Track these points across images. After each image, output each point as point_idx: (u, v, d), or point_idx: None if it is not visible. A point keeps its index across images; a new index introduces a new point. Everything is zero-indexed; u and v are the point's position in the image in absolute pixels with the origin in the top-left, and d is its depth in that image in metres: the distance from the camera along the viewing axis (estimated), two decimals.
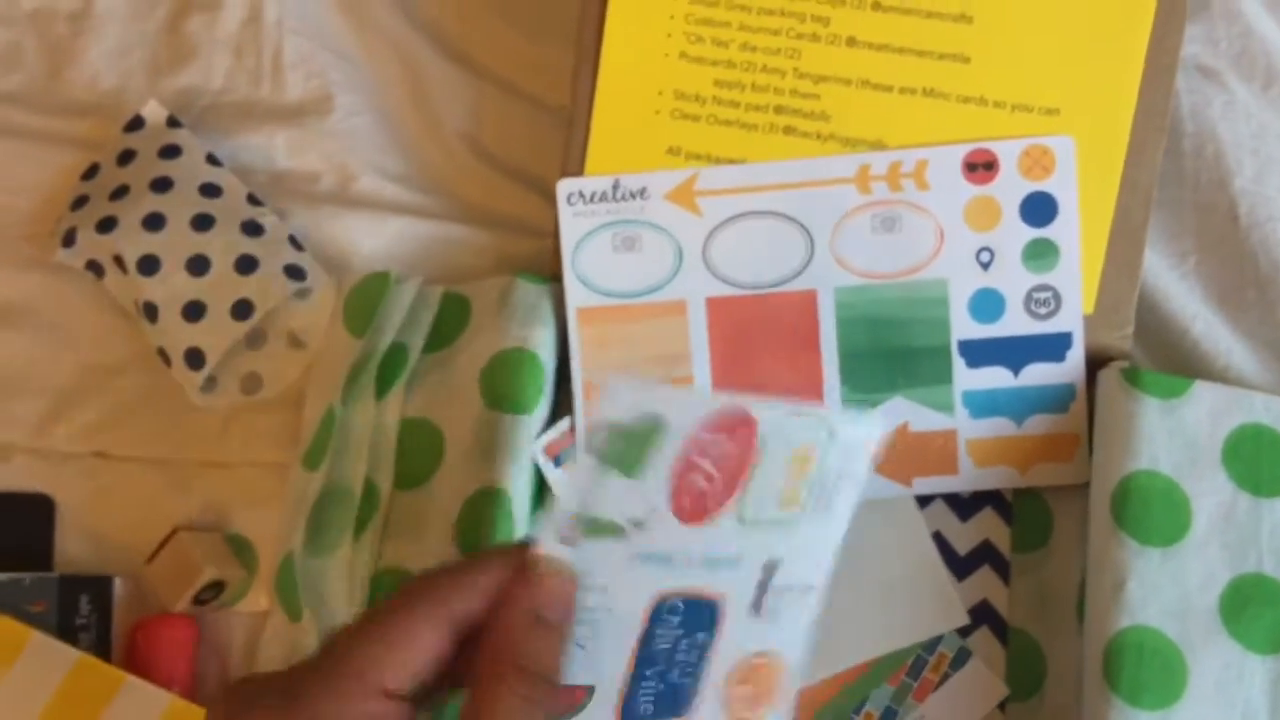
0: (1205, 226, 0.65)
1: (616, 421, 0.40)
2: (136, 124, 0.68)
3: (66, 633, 0.60)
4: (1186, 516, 0.58)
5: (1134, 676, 0.56)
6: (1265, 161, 0.65)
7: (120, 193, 0.65)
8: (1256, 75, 0.66)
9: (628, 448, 0.40)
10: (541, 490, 0.63)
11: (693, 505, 0.42)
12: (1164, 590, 0.57)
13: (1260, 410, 0.60)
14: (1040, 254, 0.62)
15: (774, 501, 0.44)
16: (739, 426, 0.42)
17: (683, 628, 0.43)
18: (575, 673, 0.42)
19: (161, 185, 0.65)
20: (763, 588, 0.45)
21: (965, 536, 0.63)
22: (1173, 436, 0.59)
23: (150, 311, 0.63)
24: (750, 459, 0.42)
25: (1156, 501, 0.58)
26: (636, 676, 0.43)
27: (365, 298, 0.64)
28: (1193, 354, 0.63)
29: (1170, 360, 0.64)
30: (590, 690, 0.43)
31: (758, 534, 0.44)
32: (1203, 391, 0.60)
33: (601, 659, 0.42)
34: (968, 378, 0.62)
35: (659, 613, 0.43)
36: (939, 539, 0.63)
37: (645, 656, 0.43)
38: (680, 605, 0.43)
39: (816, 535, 0.45)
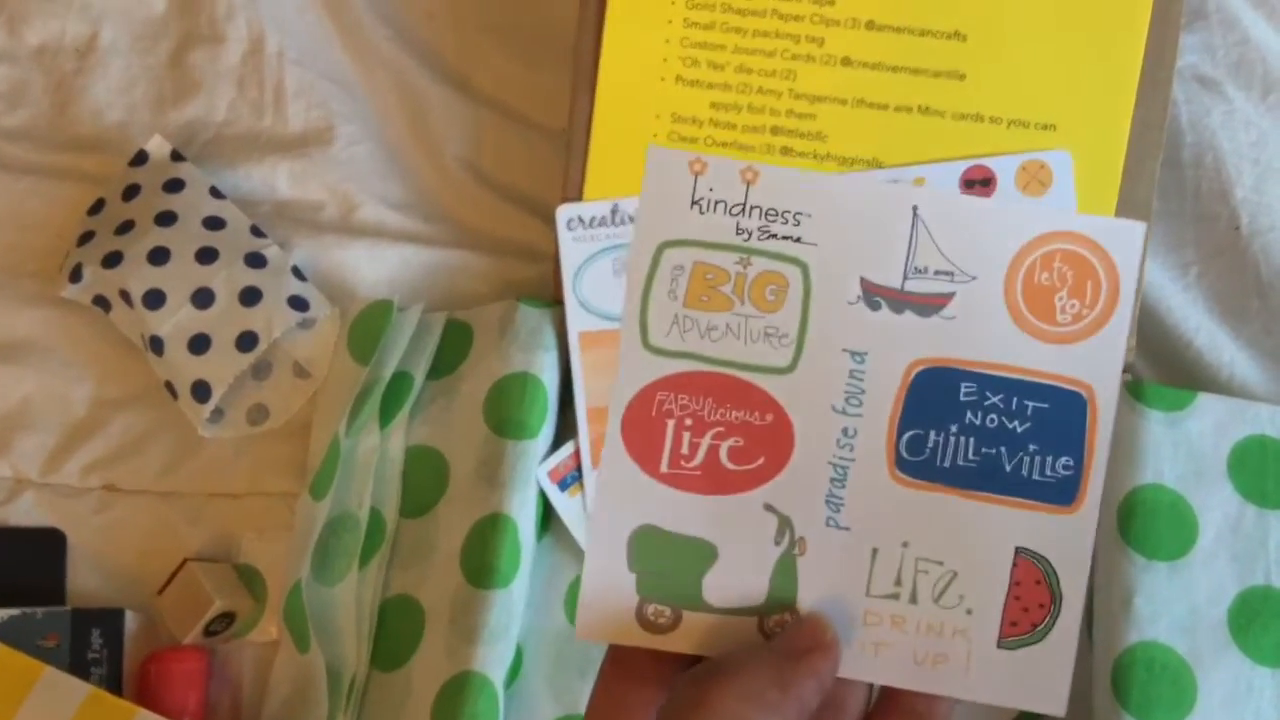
0: (1206, 237, 0.65)
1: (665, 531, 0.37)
2: (141, 159, 0.69)
3: (78, 666, 0.61)
4: (1193, 530, 0.58)
5: (1144, 691, 0.55)
6: (1265, 170, 0.64)
7: (125, 228, 0.65)
8: (1255, 84, 0.65)
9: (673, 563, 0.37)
10: (547, 515, 0.63)
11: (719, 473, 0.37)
12: (1172, 605, 0.57)
13: (1265, 422, 0.59)
14: None
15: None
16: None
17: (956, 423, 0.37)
18: None
19: (166, 219, 0.65)
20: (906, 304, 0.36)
21: None
22: (1178, 449, 0.59)
23: (156, 345, 0.63)
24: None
25: (1163, 515, 0.58)
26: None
27: (369, 326, 0.64)
28: (1196, 366, 0.63)
29: (1174, 373, 0.64)
30: None
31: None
32: (1207, 404, 0.59)
33: None
34: None
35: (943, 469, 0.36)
36: None
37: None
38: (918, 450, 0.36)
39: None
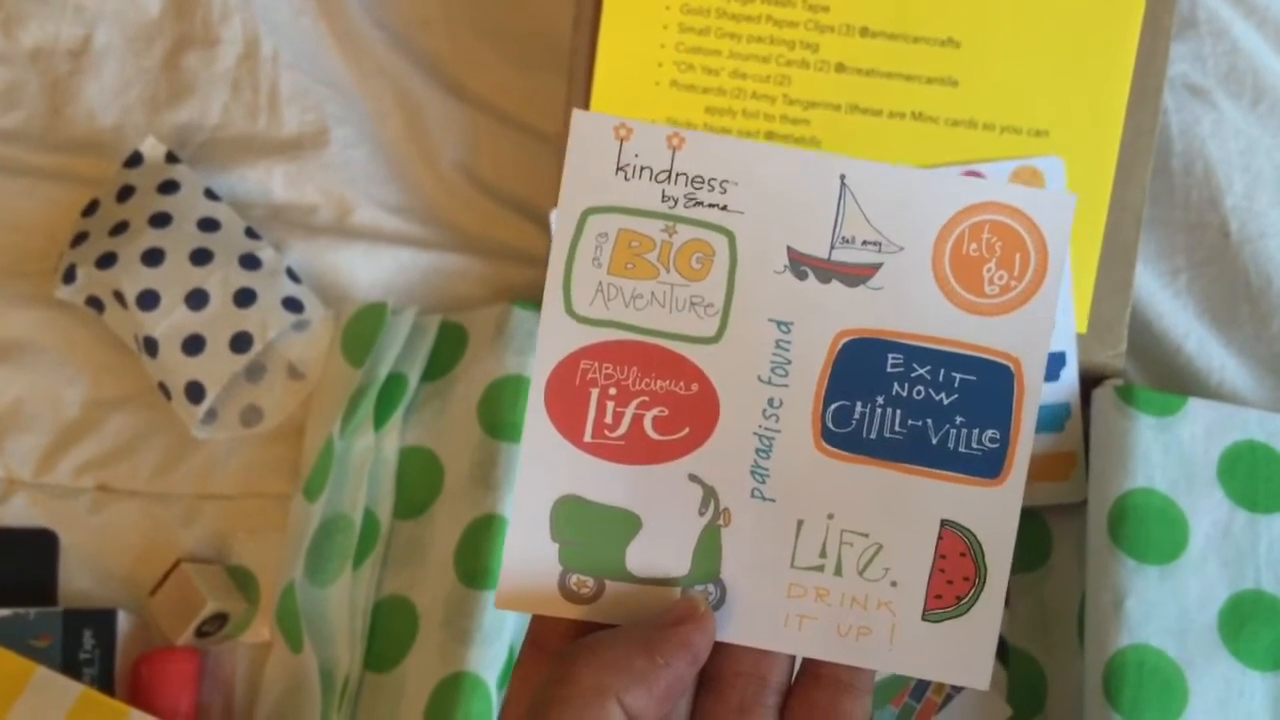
0: (1196, 244, 0.65)
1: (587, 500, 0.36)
2: (135, 160, 0.69)
3: (70, 667, 0.60)
4: (1184, 534, 0.58)
5: (1135, 695, 0.55)
6: (1255, 178, 0.65)
7: (120, 229, 0.65)
8: (1245, 92, 0.66)
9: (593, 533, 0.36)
10: None
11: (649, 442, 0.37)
12: (1163, 608, 0.57)
13: (1255, 427, 0.60)
14: None
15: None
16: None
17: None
18: None
19: (160, 220, 0.65)
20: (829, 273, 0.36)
21: None
22: (1168, 454, 0.59)
23: (150, 346, 0.63)
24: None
25: (1153, 519, 0.58)
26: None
27: (363, 328, 0.65)
28: (1186, 371, 0.64)
29: (1164, 377, 0.64)
30: None
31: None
32: (1197, 408, 0.60)
33: None
34: None
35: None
36: None
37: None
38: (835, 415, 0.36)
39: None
